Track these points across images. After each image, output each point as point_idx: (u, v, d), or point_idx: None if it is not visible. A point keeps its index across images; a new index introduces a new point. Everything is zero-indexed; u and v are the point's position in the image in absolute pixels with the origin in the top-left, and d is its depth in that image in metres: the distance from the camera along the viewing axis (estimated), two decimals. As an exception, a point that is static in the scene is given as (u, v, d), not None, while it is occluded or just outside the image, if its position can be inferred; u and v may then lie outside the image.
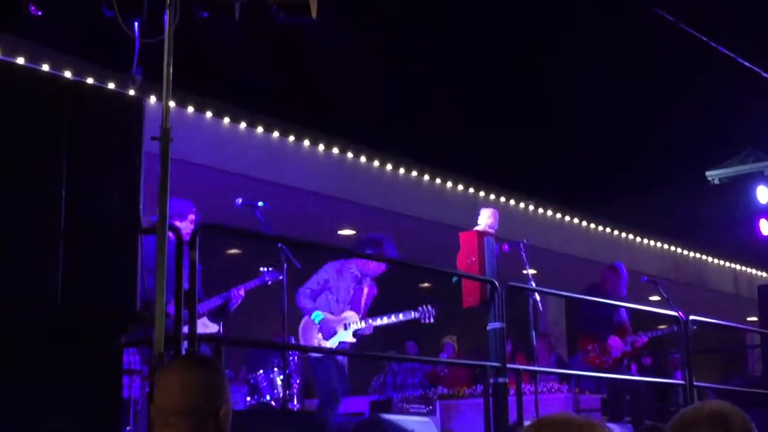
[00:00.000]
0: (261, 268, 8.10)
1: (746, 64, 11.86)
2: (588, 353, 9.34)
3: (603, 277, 9.78)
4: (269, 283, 7.54)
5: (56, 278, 4.40)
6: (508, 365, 7.62)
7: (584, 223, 15.72)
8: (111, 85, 8.24)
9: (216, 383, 2.75)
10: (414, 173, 12.92)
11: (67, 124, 4.64)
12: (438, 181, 13.25)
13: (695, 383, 9.09)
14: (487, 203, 13.01)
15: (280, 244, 7.32)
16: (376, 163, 12.45)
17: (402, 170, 12.76)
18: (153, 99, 8.28)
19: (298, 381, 9.52)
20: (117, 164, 4.82)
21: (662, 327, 9.72)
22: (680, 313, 9.07)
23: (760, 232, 11.73)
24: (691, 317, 9.09)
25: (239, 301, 7.42)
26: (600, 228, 16.10)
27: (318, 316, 8.08)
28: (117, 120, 4.87)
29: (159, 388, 2.74)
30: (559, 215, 15.24)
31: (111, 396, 4.61)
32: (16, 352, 4.31)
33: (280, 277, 7.38)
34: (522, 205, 14.53)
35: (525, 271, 9.20)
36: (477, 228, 8.44)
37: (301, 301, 8.09)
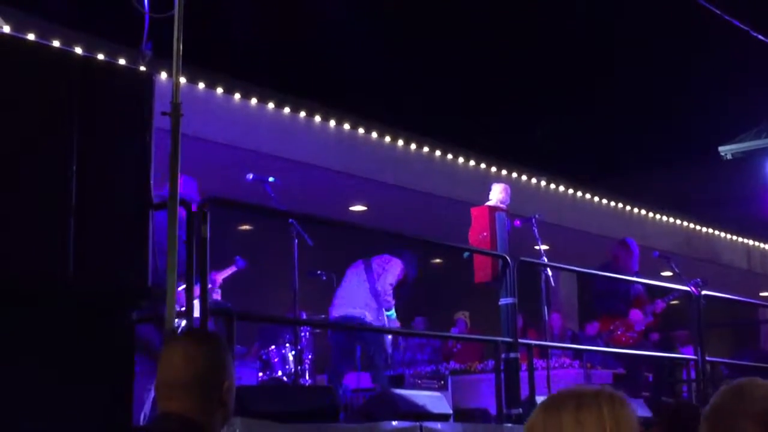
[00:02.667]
0: (236, 257, 8.46)
1: (760, 37, 11.75)
2: (612, 332, 9.29)
3: (614, 254, 9.70)
4: (242, 268, 7.78)
5: (67, 255, 4.41)
6: (520, 340, 7.63)
7: (596, 199, 15.66)
8: (122, 61, 8.22)
9: (219, 357, 2.76)
10: (425, 149, 12.87)
11: (78, 101, 4.64)
12: (450, 156, 13.20)
13: (707, 358, 9.09)
14: (499, 179, 12.95)
15: (291, 220, 7.31)
16: (388, 138, 12.41)
17: (413, 146, 12.72)
18: (164, 75, 8.25)
19: (309, 356, 9.54)
20: (128, 140, 4.82)
21: (675, 290, 9.62)
22: (693, 288, 9.05)
23: (772, 207, 11.65)
24: (703, 292, 9.07)
25: (215, 286, 7.59)
26: (612, 203, 16.04)
27: (393, 313, 8.83)
28: (127, 96, 4.87)
29: (163, 361, 2.75)
30: (571, 191, 15.18)
31: (124, 372, 4.62)
32: (29, 329, 4.32)
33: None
34: (534, 180, 14.48)
35: (537, 247, 9.17)
36: (488, 203, 8.43)
37: (390, 298, 8.66)
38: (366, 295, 8.65)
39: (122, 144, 4.81)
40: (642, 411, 7.56)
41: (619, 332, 9.26)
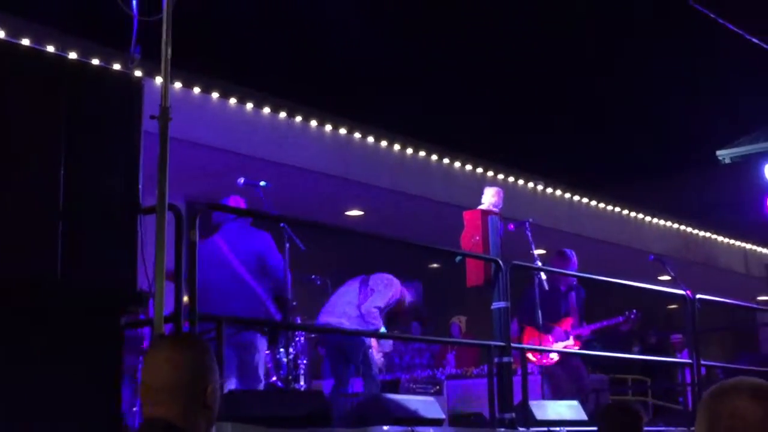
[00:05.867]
0: None
1: (757, 41, 11.76)
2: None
3: (552, 265, 9.46)
4: None
5: (56, 258, 4.40)
6: (516, 345, 7.62)
7: (593, 203, 15.66)
8: (116, 66, 8.22)
9: (203, 361, 2.75)
10: (422, 153, 12.87)
11: (67, 104, 4.64)
12: (446, 160, 13.20)
13: (703, 362, 9.08)
14: (495, 183, 12.96)
15: (282, 224, 7.29)
16: (384, 143, 12.41)
17: (410, 150, 12.71)
18: (159, 79, 8.23)
19: (304, 361, 9.53)
20: (117, 144, 4.82)
21: (617, 316, 9.47)
22: (688, 291, 9.04)
23: (768, 211, 11.64)
24: (698, 296, 9.05)
25: None
26: (609, 207, 16.04)
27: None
28: (117, 100, 4.87)
29: (147, 366, 2.74)
30: (568, 195, 15.18)
31: (112, 375, 4.61)
32: (17, 331, 4.31)
33: None
34: (531, 184, 14.47)
35: (531, 251, 9.15)
36: (481, 207, 8.41)
37: (375, 320, 8.46)
38: (351, 308, 8.36)
39: (111, 148, 4.80)
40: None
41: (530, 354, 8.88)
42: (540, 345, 8.91)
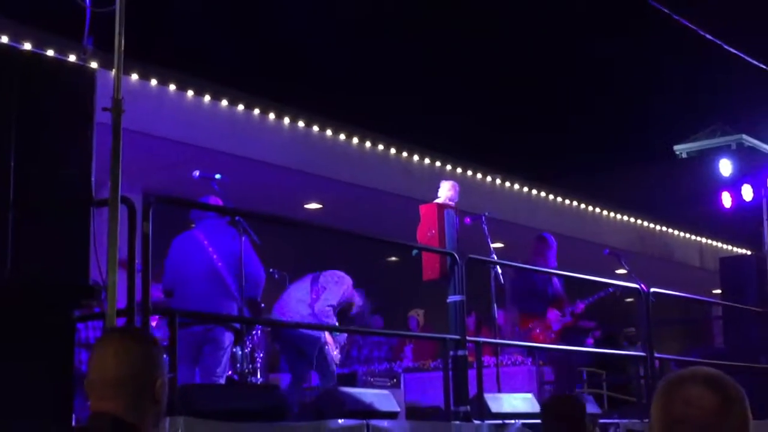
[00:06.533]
0: None
1: (711, 38, 11.88)
2: (530, 331, 9.20)
3: (533, 249, 9.58)
4: None
5: (5, 250, 4.34)
6: (471, 338, 7.65)
7: (551, 197, 15.76)
8: (72, 56, 8.14)
9: (151, 355, 2.73)
10: (380, 146, 12.88)
11: (18, 95, 4.57)
12: (404, 154, 13.23)
13: (656, 355, 9.17)
14: (454, 177, 12.99)
15: (238, 218, 7.27)
16: (342, 136, 12.41)
17: (368, 143, 12.72)
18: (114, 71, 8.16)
19: (261, 355, 9.50)
20: (69, 136, 4.76)
21: (599, 292, 9.55)
22: (642, 285, 9.12)
23: (723, 205, 11.78)
24: (653, 289, 9.14)
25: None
26: (567, 201, 16.15)
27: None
28: (69, 91, 4.81)
29: (94, 360, 2.71)
30: (525, 189, 15.27)
31: (63, 370, 4.57)
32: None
33: None
34: (489, 178, 14.54)
35: (488, 245, 9.19)
36: (437, 200, 8.43)
37: (329, 320, 8.39)
38: (302, 306, 8.28)
39: (64, 140, 4.74)
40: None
41: (537, 331, 9.16)
42: (543, 329, 9.06)
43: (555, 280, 9.45)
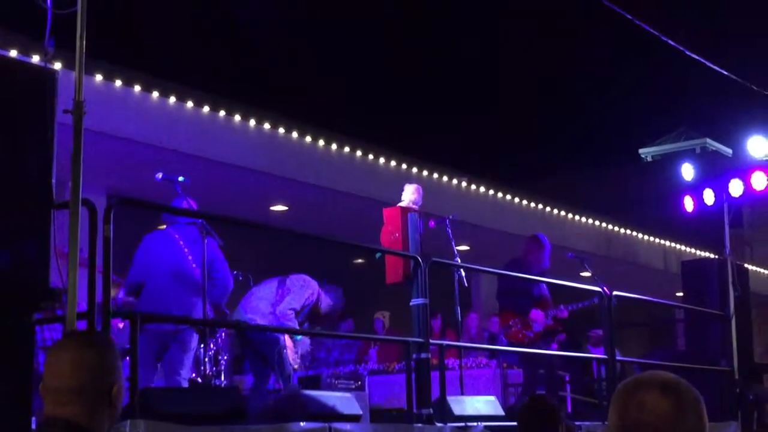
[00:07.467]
0: None
1: (674, 43, 11.99)
2: (509, 328, 9.28)
3: (526, 248, 9.68)
4: None
5: (-36, 253, 4.32)
6: (434, 341, 7.68)
7: (516, 200, 15.84)
8: (35, 57, 8.09)
9: (108, 360, 2.72)
10: (346, 149, 12.89)
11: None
12: (370, 156, 13.24)
13: (618, 357, 9.24)
14: (419, 179, 13.03)
15: (199, 220, 7.25)
16: (308, 138, 12.40)
17: (334, 145, 12.72)
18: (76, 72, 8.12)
19: (225, 357, 9.48)
20: (30, 137, 4.74)
21: (587, 301, 9.67)
22: (604, 288, 9.19)
23: (685, 209, 11.89)
24: (615, 293, 9.21)
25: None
26: (532, 204, 16.24)
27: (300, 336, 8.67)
28: (30, 92, 4.79)
29: (49, 365, 2.70)
30: (491, 191, 15.33)
31: (22, 373, 4.54)
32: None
33: None
34: (455, 181, 14.58)
35: (452, 248, 9.22)
36: (401, 204, 8.45)
37: (290, 322, 8.35)
38: (264, 305, 8.26)
39: (24, 142, 4.72)
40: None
41: (515, 329, 9.23)
42: (522, 327, 9.08)
43: (542, 282, 9.52)
